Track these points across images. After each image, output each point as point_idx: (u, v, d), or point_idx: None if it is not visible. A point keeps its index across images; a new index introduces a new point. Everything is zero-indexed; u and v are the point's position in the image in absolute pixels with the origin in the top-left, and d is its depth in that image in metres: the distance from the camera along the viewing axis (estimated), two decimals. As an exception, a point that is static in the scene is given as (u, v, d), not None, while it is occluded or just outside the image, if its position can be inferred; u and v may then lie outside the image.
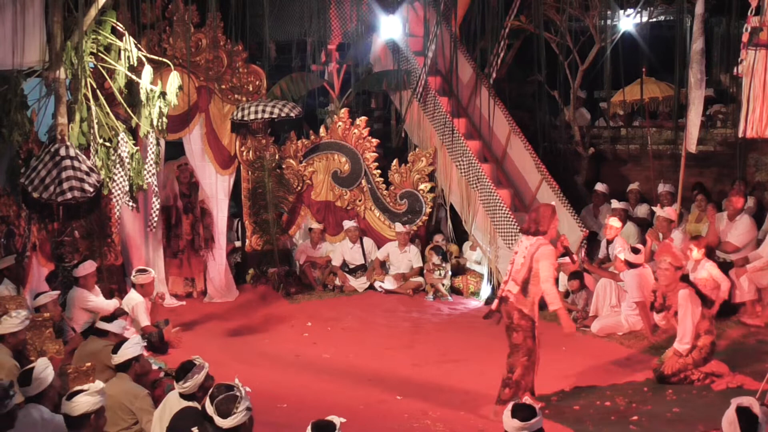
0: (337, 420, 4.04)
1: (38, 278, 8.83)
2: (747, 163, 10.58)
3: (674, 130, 10.91)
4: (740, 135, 7.40)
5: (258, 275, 11.03)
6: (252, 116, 10.41)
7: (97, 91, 8.59)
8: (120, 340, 6.00)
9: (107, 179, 8.50)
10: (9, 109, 8.05)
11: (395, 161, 11.56)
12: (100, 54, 8.60)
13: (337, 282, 11.15)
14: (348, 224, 11.34)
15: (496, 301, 6.88)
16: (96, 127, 8.44)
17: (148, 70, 8.56)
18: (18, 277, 8.25)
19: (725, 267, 9.07)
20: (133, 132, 8.95)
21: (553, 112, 12.46)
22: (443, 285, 10.73)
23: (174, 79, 8.67)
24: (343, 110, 11.59)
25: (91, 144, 8.44)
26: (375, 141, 11.55)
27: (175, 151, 11.00)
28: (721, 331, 8.42)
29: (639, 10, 11.50)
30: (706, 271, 8.68)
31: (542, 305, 6.80)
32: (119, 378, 5.66)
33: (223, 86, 10.65)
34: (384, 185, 11.50)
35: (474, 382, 7.50)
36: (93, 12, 8.21)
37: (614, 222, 9.84)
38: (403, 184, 11.46)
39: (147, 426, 5.36)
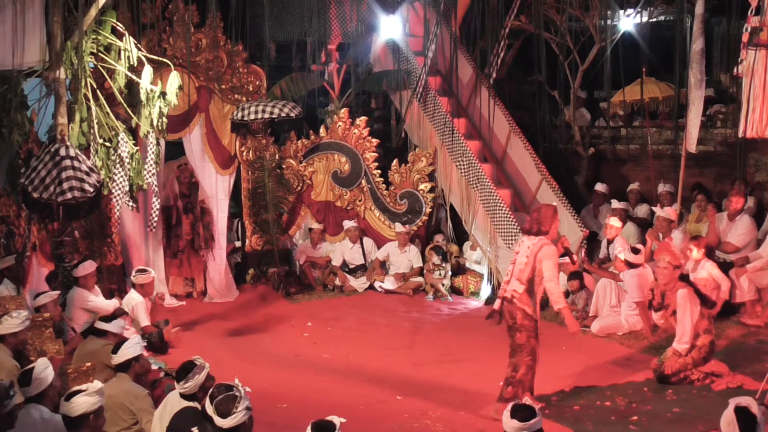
0: (337, 420, 4.04)
1: (38, 278, 8.82)
2: (747, 163, 10.56)
3: (674, 130, 10.88)
4: (740, 135, 7.41)
5: (258, 275, 11.03)
6: (252, 116, 10.41)
7: (97, 91, 8.57)
8: (120, 340, 6.00)
9: (107, 179, 8.49)
10: (9, 109, 8.03)
11: (395, 161, 11.55)
12: (100, 54, 8.59)
13: (337, 282, 11.15)
14: (348, 224, 11.34)
15: (498, 301, 6.86)
16: (96, 127, 8.43)
17: (148, 70, 8.55)
18: (18, 277, 8.24)
19: (725, 267, 9.06)
20: (133, 132, 8.93)
21: (553, 112, 12.44)
22: (443, 285, 10.73)
23: (174, 79, 8.66)
24: (343, 110, 11.58)
25: (91, 144, 8.43)
26: (375, 141, 11.54)
27: (175, 151, 11.00)
28: (720, 331, 8.43)
29: (639, 10, 11.50)
30: (706, 271, 8.67)
31: (542, 305, 6.79)
32: (119, 378, 5.66)
33: (223, 86, 10.64)
34: (384, 185, 11.50)
35: (474, 382, 7.50)
36: (93, 12, 8.21)
37: (614, 222, 9.83)
38: (403, 184, 11.46)
39: (147, 426, 5.36)
